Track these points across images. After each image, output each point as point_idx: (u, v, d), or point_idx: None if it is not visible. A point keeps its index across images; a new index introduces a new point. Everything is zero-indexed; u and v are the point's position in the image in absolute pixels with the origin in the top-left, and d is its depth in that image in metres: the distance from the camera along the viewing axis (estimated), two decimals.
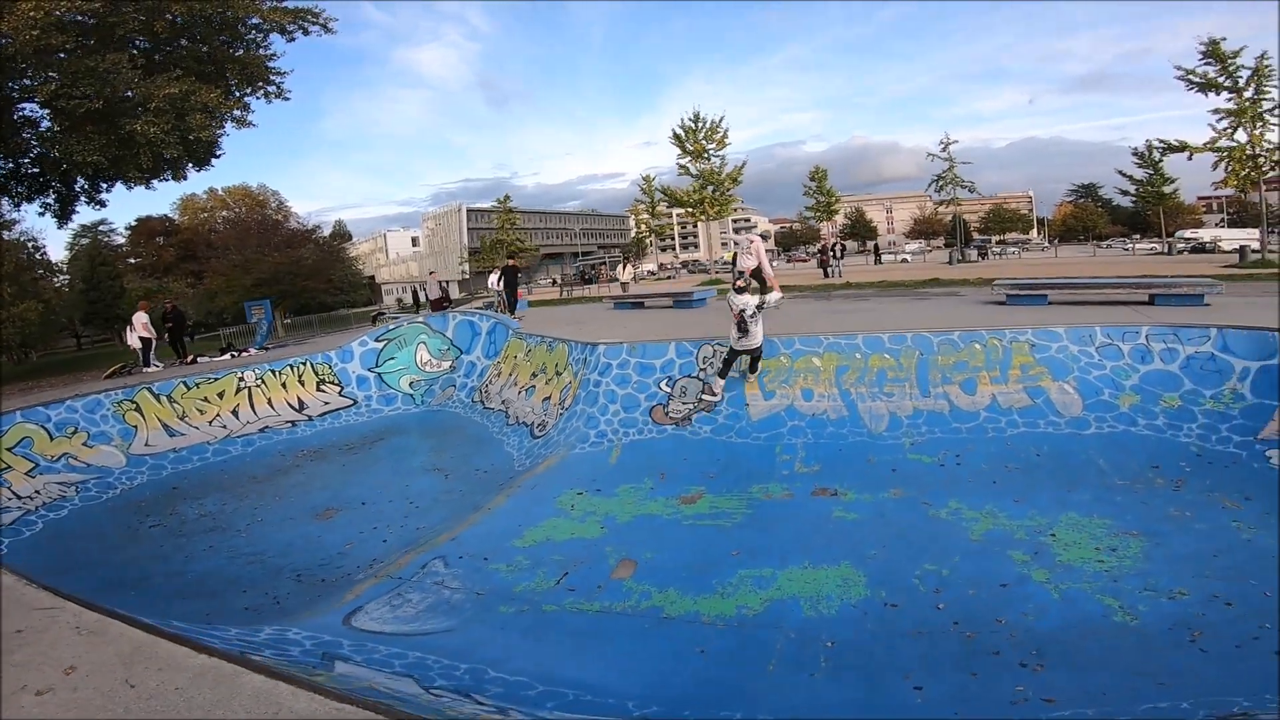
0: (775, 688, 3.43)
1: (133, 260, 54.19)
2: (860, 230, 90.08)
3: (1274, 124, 21.05)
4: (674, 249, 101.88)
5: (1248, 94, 21.02)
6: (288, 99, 17.21)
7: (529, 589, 4.87)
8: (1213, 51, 21.33)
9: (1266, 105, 20.98)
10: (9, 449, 9.78)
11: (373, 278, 71.39)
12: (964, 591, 4.32)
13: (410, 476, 9.38)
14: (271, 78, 16.72)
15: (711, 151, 28.46)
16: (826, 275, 25.23)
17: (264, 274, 37.43)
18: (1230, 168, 21.34)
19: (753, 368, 8.18)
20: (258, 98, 16.73)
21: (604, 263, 56.65)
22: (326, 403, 13.20)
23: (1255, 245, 23.82)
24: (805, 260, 60.89)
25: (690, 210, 29.86)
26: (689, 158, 28.79)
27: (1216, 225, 62.25)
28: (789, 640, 3.91)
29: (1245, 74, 21.08)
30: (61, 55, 12.06)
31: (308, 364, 13.54)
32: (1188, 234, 51.67)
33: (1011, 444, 6.90)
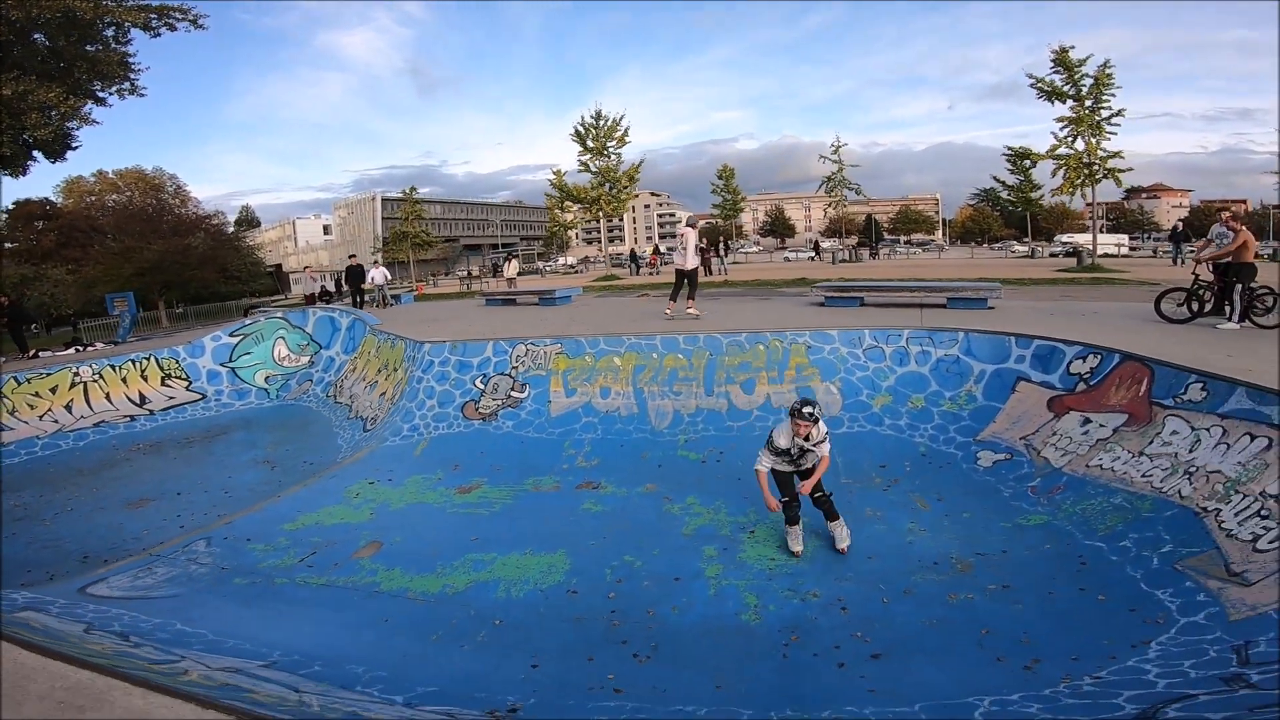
0: (420, 655, 3.93)
1: (8, 245, 49.90)
2: (779, 228, 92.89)
3: (1110, 132, 23.06)
4: (599, 242, 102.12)
5: (1088, 103, 22.90)
6: (143, 95, 16.73)
7: (272, 565, 5.27)
8: (1061, 60, 23.09)
9: (1104, 114, 22.92)
10: None
11: (279, 266, 68.30)
12: (640, 584, 4.78)
13: (238, 469, 9.52)
14: (129, 74, 16.22)
15: (611, 149, 29.10)
16: (708, 272, 26.32)
17: (146, 262, 35.46)
18: (1066, 175, 23.38)
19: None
20: (110, 93, 16.18)
21: (517, 255, 56.54)
22: (171, 397, 12.99)
23: (1111, 250, 26.11)
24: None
25: (587, 207, 30.46)
26: (589, 154, 29.34)
27: (1100, 230, 68.05)
28: (467, 617, 4.41)
29: (1089, 83, 22.80)
30: None
31: (151, 359, 13.26)
32: (1065, 238, 56.03)
33: None
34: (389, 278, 21.41)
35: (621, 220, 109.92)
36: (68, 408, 12.02)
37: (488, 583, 4.89)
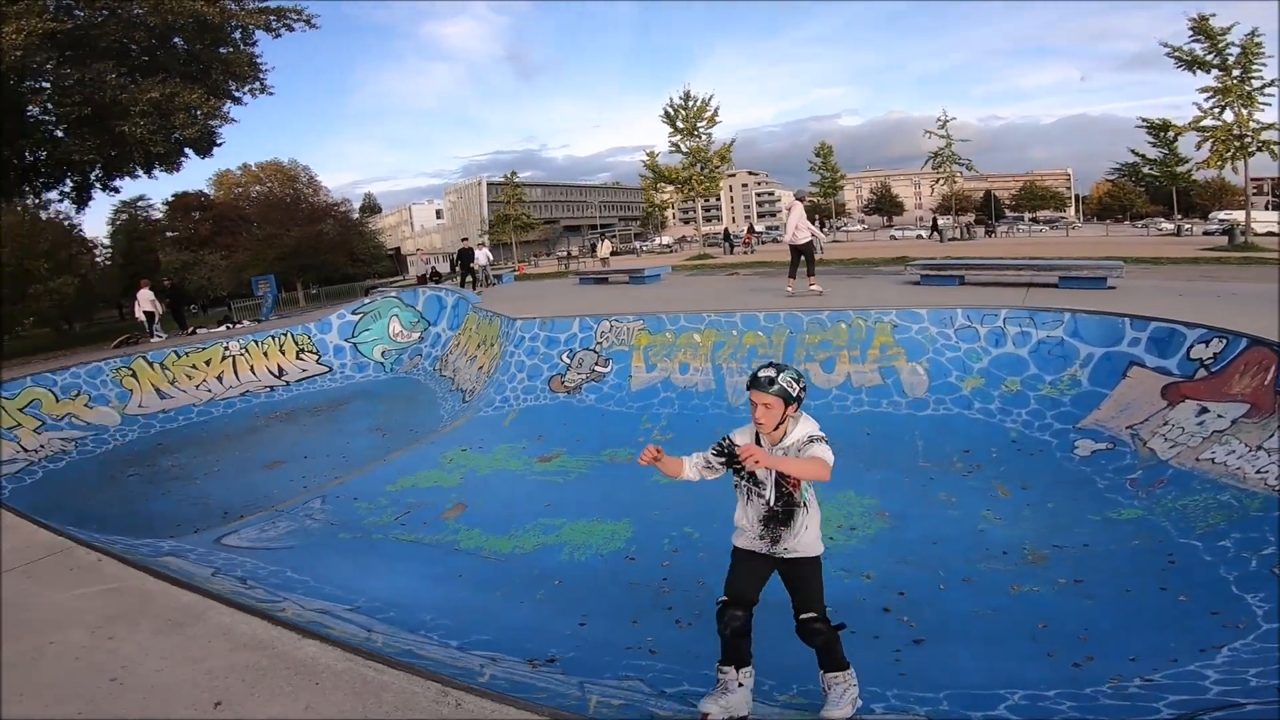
0: (483, 608, 4.34)
1: (170, 234, 56.52)
2: (885, 206, 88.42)
3: (1264, 104, 20.59)
4: (695, 221, 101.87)
5: (1235, 72, 20.57)
6: (271, 94, 18.64)
7: (371, 522, 5.94)
8: (1201, 28, 20.85)
9: (1255, 84, 20.52)
10: (20, 409, 11.23)
11: (398, 249, 73.22)
12: (695, 554, 4.90)
13: (355, 436, 10.57)
14: (258, 74, 18.03)
15: (701, 129, 29.00)
16: None
17: (286, 248, 39.28)
18: (1214, 147, 20.98)
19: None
20: (244, 93, 18.08)
21: (613, 236, 57.59)
22: (304, 370, 14.50)
23: (1275, 228, 23.40)
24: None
25: (679, 187, 30.59)
26: (679, 135, 29.43)
27: (1265, 207, 59.59)
28: (531, 575, 4.81)
29: (1235, 52, 20.63)
30: (48, 67, 13.57)
31: (288, 335, 14.83)
32: (1222, 215, 49.69)
33: (849, 422, 7.56)
34: (491, 259, 22.62)
35: (718, 200, 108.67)
36: (219, 379, 13.72)
37: (554, 546, 5.28)
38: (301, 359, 14.77)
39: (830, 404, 7.87)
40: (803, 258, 10.96)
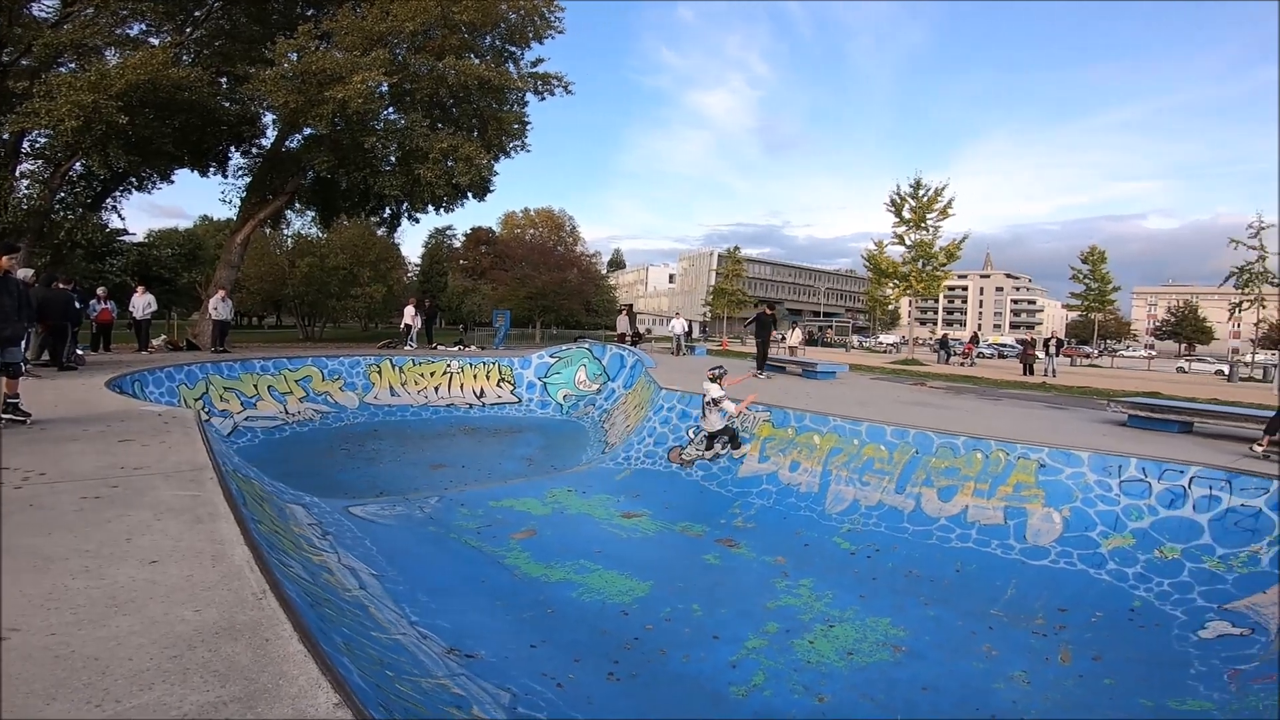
0: (472, 604, 5.04)
1: (462, 262, 68.03)
2: (1187, 330, 73.96)
3: None
4: (935, 321, 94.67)
5: None
6: (529, 151, 22.15)
7: (458, 525, 7.00)
8: None
9: None
10: (297, 380, 14.75)
11: (630, 306, 79.40)
12: (682, 629, 5.16)
13: (510, 460, 12.06)
14: (523, 133, 21.62)
15: (931, 222, 27.51)
16: (1027, 372, 22.56)
17: (535, 289, 45.34)
18: None
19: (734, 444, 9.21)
20: (512, 147, 21.61)
21: (828, 327, 56.02)
22: (499, 397, 16.83)
23: None
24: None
25: (896, 285, 29.08)
26: (904, 226, 28.27)
27: None
28: (536, 599, 5.45)
29: None
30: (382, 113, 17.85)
31: (495, 364, 17.36)
32: None
33: (940, 555, 6.92)
34: (687, 329, 23.96)
35: (964, 302, 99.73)
36: (436, 389, 16.53)
37: (575, 583, 5.84)
38: (500, 387, 17.14)
39: (931, 531, 7.28)
40: None
